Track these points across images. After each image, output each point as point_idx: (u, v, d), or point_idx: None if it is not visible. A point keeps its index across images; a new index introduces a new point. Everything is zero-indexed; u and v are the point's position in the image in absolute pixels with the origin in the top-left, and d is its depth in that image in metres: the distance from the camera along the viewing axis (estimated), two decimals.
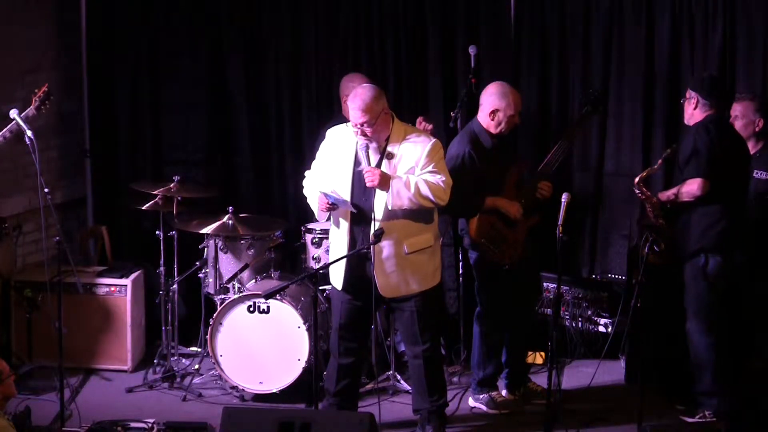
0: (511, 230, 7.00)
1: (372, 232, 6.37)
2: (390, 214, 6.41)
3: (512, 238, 7.01)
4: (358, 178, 6.47)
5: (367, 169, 6.35)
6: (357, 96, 6.40)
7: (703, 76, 6.94)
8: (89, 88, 8.69)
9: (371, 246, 6.37)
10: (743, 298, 6.95)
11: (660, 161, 6.94)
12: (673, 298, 6.84)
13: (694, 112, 6.75)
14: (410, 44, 8.26)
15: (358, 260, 6.50)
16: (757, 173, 7.12)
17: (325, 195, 6.46)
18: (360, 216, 6.47)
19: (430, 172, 6.39)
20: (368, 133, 6.36)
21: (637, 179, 6.85)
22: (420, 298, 6.55)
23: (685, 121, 6.84)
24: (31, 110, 6.77)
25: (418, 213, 6.46)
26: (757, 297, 7.02)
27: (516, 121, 6.98)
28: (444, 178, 6.41)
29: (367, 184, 6.35)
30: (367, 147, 6.38)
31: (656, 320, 6.89)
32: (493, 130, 6.96)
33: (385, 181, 6.32)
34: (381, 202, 6.40)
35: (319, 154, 6.68)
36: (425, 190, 6.33)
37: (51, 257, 7.18)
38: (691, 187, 6.62)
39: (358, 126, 6.36)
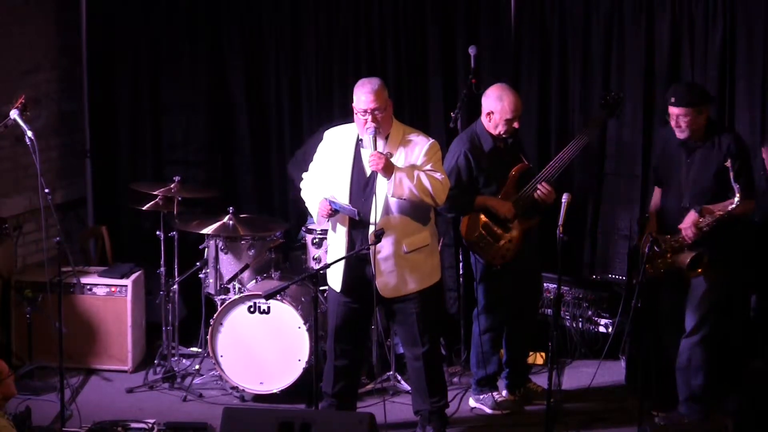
0: (505, 231, 6.99)
1: (370, 232, 6.37)
2: (388, 214, 6.41)
3: (506, 239, 7.00)
4: (356, 179, 6.48)
5: (372, 152, 6.36)
6: (367, 82, 6.43)
7: (693, 89, 6.70)
8: (89, 88, 8.69)
9: (371, 246, 6.37)
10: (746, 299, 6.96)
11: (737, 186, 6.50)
12: (673, 299, 6.86)
13: (704, 125, 6.60)
14: (410, 44, 8.26)
15: (357, 261, 6.51)
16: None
17: (330, 202, 6.47)
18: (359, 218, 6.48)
19: (430, 169, 6.39)
20: (378, 119, 6.37)
21: (725, 214, 6.49)
22: (419, 300, 6.55)
23: (684, 136, 6.60)
24: (10, 120, 6.72)
25: (415, 212, 6.46)
26: (759, 297, 7.03)
27: (515, 126, 6.94)
28: (443, 177, 6.42)
29: (371, 168, 6.35)
30: (375, 131, 6.38)
31: (656, 320, 6.88)
32: (492, 132, 6.96)
33: (388, 168, 6.33)
34: (379, 203, 6.40)
35: (317, 156, 6.68)
36: (426, 184, 6.33)
37: (51, 257, 7.18)
38: (747, 209, 6.51)
39: (369, 111, 6.37)
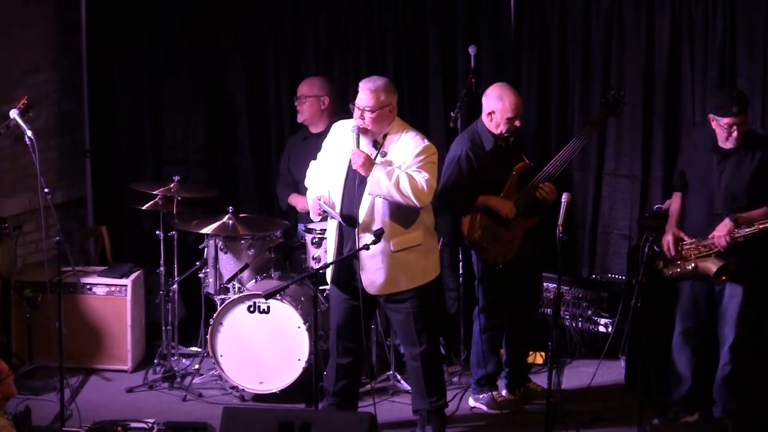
0: (506, 230, 6.99)
1: (359, 228, 6.43)
2: (374, 212, 6.44)
3: (507, 238, 7.00)
4: (351, 175, 6.51)
5: (354, 150, 6.39)
6: (370, 80, 6.49)
7: (742, 94, 6.57)
8: (89, 88, 8.68)
9: (369, 246, 6.37)
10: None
11: None
12: (672, 299, 6.86)
13: (744, 130, 6.49)
14: (410, 44, 8.25)
15: (345, 258, 6.53)
16: None
17: (320, 204, 6.54)
18: (350, 214, 6.50)
19: (416, 170, 6.39)
20: (366, 119, 6.40)
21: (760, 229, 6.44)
22: (415, 299, 6.56)
23: (736, 145, 6.47)
24: (11, 121, 6.75)
25: (398, 211, 6.47)
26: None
27: (516, 125, 6.95)
28: (427, 178, 6.39)
29: (353, 166, 6.41)
30: (358, 130, 6.43)
31: (656, 320, 6.88)
32: (494, 131, 6.97)
33: (368, 166, 6.36)
34: (367, 201, 6.43)
35: (323, 146, 6.75)
36: (405, 185, 6.33)
37: (51, 257, 7.17)
38: None
39: (360, 108, 6.40)
